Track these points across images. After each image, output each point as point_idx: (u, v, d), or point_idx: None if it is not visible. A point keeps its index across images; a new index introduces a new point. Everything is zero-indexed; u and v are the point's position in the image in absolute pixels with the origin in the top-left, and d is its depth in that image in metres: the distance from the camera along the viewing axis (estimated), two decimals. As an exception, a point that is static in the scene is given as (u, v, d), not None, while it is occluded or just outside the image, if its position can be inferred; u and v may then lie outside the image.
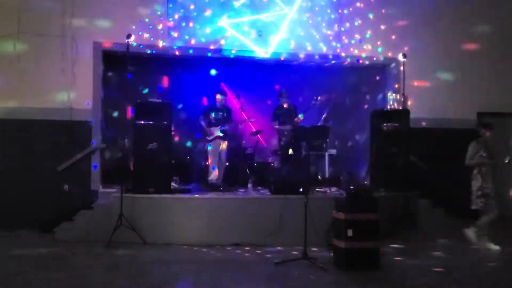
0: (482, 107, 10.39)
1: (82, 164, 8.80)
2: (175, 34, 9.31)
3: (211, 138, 8.98)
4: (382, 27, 10.07)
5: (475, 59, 10.38)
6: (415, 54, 9.78)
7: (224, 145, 9.07)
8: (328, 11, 9.91)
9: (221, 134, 8.97)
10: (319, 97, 9.33)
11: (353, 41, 10.00)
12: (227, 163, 9.27)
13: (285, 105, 9.50)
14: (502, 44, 10.55)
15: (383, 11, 10.08)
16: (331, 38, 9.91)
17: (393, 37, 10.07)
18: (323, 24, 9.89)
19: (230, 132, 9.32)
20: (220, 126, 8.97)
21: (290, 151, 8.99)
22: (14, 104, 8.68)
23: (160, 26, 9.23)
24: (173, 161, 8.70)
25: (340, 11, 9.96)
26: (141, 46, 9.02)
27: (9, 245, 7.35)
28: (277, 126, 9.56)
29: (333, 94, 9.86)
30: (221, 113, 9.12)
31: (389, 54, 10.04)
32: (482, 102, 10.37)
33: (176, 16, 9.31)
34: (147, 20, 9.16)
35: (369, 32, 10.03)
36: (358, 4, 10.01)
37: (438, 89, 10.19)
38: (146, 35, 9.12)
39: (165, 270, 6.08)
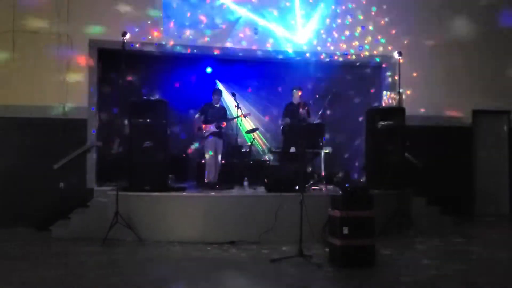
0: (477, 105, 10.45)
1: (77, 162, 8.80)
2: (171, 32, 9.31)
3: (206, 135, 8.98)
4: (378, 24, 10.09)
5: (471, 57, 10.42)
6: (411, 52, 9.81)
7: (219, 143, 9.08)
8: (322, 5, 9.91)
9: (217, 130, 8.97)
10: (316, 95, 9.28)
11: (348, 39, 10.02)
12: (223, 161, 9.28)
13: (295, 103, 9.40)
14: (497, 42, 10.59)
15: (380, 8, 10.10)
16: (326, 35, 9.95)
17: (389, 34, 10.10)
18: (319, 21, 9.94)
19: (225, 130, 9.32)
20: (215, 123, 8.98)
21: (292, 149, 8.99)
22: (9, 102, 8.67)
23: (156, 24, 9.23)
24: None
25: (333, 7, 9.99)
26: (132, 45, 8.98)
27: (5, 243, 7.35)
28: (286, 122, 9.48)
29: (330, 93, 9.85)
30: (217, 112, 9.12)
31: (385, 52, 10.07)
32: (477, 100, 10.42)
33: (173, 13, 9.31)
34: (143, 17, 9.16)
35: (365, 29, 10.05)
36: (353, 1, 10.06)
37: (433, 87, 10.22)
38: (141, 33, 9.12)
39: (161, 268, 6.08)
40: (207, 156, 8.98)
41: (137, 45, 9.07)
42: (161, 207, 7.69)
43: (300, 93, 9.30)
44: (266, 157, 10.30)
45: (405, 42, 10.03)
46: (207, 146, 8.99)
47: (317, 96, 9.40)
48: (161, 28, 9.27)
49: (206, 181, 8.88)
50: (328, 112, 9.99)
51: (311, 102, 9.47)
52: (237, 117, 9.03)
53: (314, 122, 9.50)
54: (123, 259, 6.54)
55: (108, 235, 7.24)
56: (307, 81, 10.42)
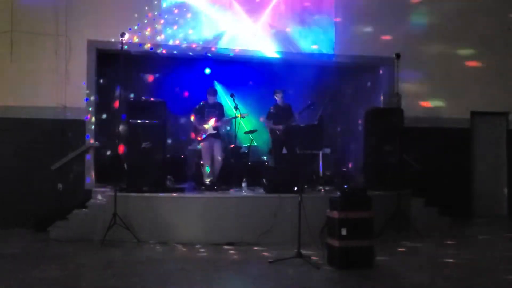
0: (476, 106, 10.46)
1: (76, 162, 8.79)
2: (170, 33, 9.30)
3: (203, 136, 8.92)
4: (377, 26, 10.08)
5: (470, 58, 10.43)
6: (410, 54, 9.80)
7: (217, 143, 9.03)
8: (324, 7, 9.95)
9: (214, 132, 8.90)
10: (312, 104, 9.29)
11: (347, 40, 10.02)
12: (221, 162, 9.24)
13: (280, 104, 9.44)
14: (496, 44, 10.60)
15: (380, 12, 10.10)
16: (324, 37, 9.97)
17: (388, 37, 10.10)
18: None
19: (222, 129, 9.27)
20: (213, 126, 8.91)
21: (284, 150, 8.98)
22: (7, 102, 8.65)
23: (154, 25, 9.22)
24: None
25: (334, 9, 10.00)
26: (131, 45, 8.96)
27: (3, 244, 7.33)
28: (270, 125, 9.48)
29: (328, 94, 9.87)
30: (213, 110, 9.03)
31: (384, 54, 10.04)
32: (476, 101, 10.43)
33: (171, 15, 9.31)
34: (141, 18, 9.15)
35: (364, 31, 10.05)
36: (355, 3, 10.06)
37: (432, 88, 10.23)
38: (140, 34, 9.11)
39: (159, 269, 6.08)
40: (204, 156, 8.94)
41: (135, 46, 9.04)
42: (160, 208, 7.68)
43: (281, 95, 9.30)
44: (265, 158, 10.29)
45: (404, 43, 10.01)
46: (204, 146, 8.94)
47: (311, 103, 9.38)
48: (160, 29, 9.25)
49: (204, 182, 8.84)
50: (327, 113, 10.00)
51: (306, 107, 9.47)
52: (235, 117, 8.99)
53: (312, 123, 9.51)
54: (121, 260, 6.53)
55: (106, 236, 7.24)
56: (306, 82, 10.42)
